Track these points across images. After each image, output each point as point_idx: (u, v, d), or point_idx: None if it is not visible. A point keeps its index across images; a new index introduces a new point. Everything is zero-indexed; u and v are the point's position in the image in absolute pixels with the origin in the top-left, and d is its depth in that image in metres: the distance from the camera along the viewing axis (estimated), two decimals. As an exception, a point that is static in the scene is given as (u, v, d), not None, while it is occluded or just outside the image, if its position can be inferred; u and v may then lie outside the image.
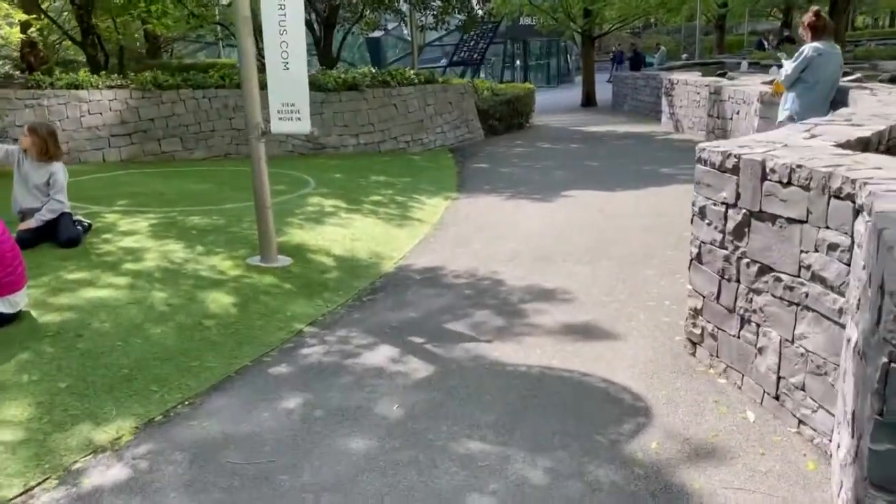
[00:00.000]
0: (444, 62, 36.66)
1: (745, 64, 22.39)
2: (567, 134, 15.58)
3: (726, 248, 3.54)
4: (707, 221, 3.68)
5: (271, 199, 5.98)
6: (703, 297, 3.77)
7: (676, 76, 15.04)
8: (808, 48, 6.55)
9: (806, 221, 2.94)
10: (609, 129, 16.00)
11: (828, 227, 2.80)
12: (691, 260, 3.87)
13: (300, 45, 5.63)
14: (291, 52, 5.60)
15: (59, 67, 14.63)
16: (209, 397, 3.73)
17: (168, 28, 15.63)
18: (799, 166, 2.97)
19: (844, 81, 7.05)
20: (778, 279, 3.17)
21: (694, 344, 3.89)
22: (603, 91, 24.43)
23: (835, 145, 3.53)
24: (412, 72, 13.61)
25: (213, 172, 10.12)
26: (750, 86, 8.78)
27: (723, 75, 14.34)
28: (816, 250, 2.88)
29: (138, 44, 22.24)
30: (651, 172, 10.08)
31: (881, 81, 8.20)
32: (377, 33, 29.18)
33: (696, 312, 3.84)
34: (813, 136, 3.87)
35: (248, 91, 5.74)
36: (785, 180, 3.05)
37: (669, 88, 15.02)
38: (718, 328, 3.65)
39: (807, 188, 2.91)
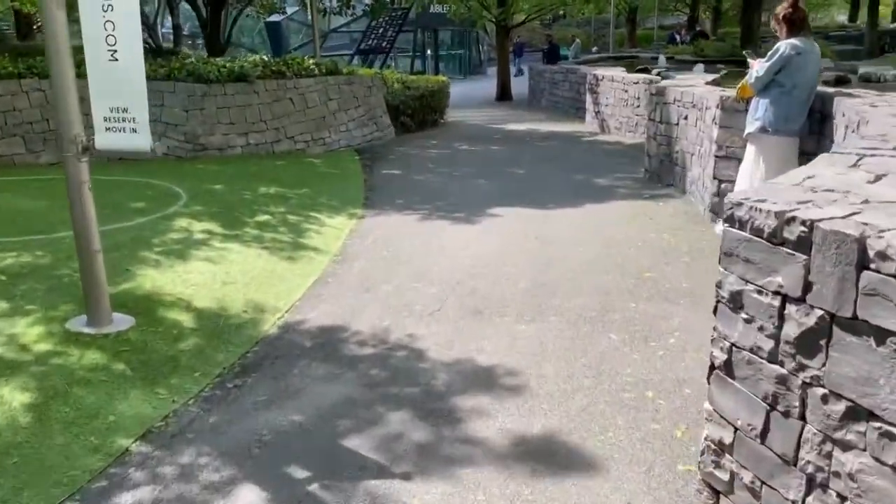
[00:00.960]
0: (351, 51, 34.83)
1: (662, 59, 21.81)
2: (486, 133, 14.30)
3: (782, 365, 2.24)
4: (745, 316, 2.37)
5: (118, 226, 4.31)
6: (735, 429, 2.47)
7: (601, 72, 14.01)
8: (785, 45, 5.43)
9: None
10: (530, 127, 14.83)
11: None
12: (713, 368, 2.56)
13: (133, 26, 3.99)
14: (121, 37, 3.95)
15: None
16: None
17: (35, 6, 13.28)
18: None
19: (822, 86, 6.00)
20: (888, 435, 1.90)
21: (717, 493, 2.59)
22: (519, 84, 23.37)
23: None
24: (312, 61, 11.92)
25: (57, 183, 8.19)
26: (697, 87, 7.73)
27: (644, 70, 13.37)
28: None
29: (6, 25, 19.44)
30: (585, 183, 8.89)
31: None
32: (277, 17, 27.02)
33: (722, 448, 2.54)
34: (878, 179, 2.63)
35: (59, 89, 4.04)
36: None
37: (594, 85, 13.98)
38: (763, 482, 2.36)
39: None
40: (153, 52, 14.99)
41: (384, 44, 34.79)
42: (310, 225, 7.02)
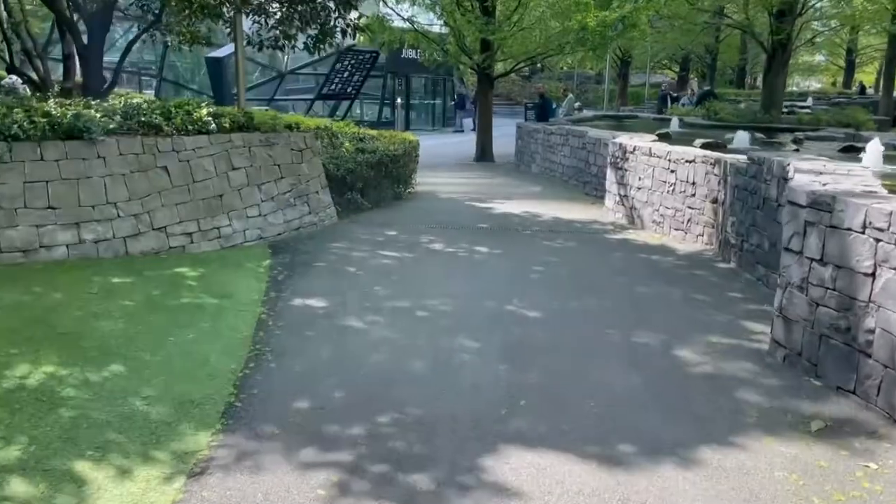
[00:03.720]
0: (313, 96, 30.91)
1: (675, 122, 18.21)
2: (466, 217, 10.21)
3: None
4: None
5: None
6: None
7: (630, 141, 10.10)
8: None
9: None
10: (526, 209, 10.79)
11: None
12: None
13: None
14: None
15: None
16: None
17: None
18: None
19: None
20: None
21: None
22: (502, 143, 19.52)
23: None
24: (206, 110, 7.74)
25: None
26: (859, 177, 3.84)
27: (716, 146, 9.44)
28: None
29: None
30: (665, 370, 4.72)
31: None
32: (220, 52, 22.98)
33: None
34: None
35: None
36: None
37: (620, 159, 10.04)
38: None
39: None
40: (35, 86, 10.74)
41: (349, 89, 30.98)
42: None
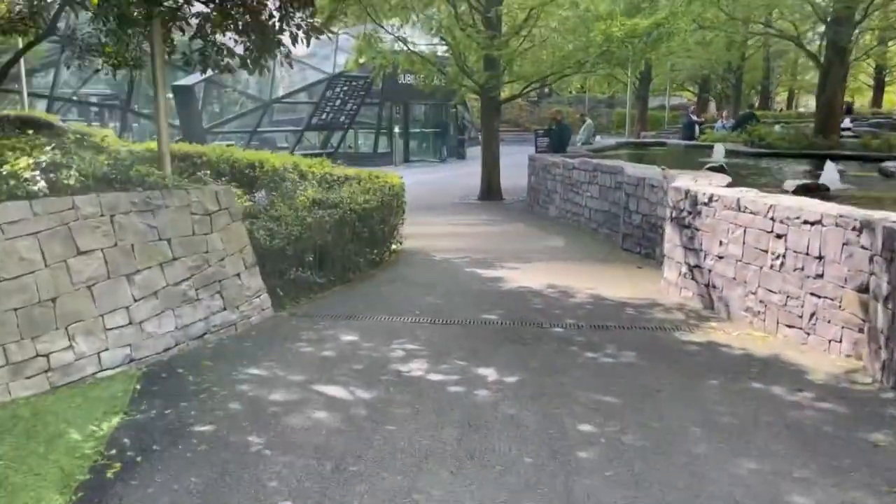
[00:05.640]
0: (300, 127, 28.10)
1: (719, 149, 15.18)
2: (467, 298, 7.11)
3: None
4: None
5: None
6: None
7: (699, 185, 7.00)
8: None
9: None
10: (552, 282, 7.66)
11: None
12: None
13: None
14: None
15: None
16: None
17: None
18: None
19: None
20: None
21: None
22: (510, 174, 16.53)
23: None
24: (26, 161, 4.74)
25: None
26: None
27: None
28: None
29: None
30: None
31: None
32: (191, 79, 20.15)
33: None
34: None
35: None
36: None
37: (688, 212, 6.92)
38: None
39: None
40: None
41: (342, 118, 28.15)
42: None
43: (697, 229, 6.75)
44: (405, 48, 15.66)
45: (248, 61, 7.63)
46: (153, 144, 9.93)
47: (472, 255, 9.31)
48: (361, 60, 16.84)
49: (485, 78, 15.05)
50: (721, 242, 6.41)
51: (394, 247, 9.54)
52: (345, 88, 27.43)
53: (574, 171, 12.24)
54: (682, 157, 15.98)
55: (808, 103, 47.83)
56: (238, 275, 5.89)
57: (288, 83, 27.62)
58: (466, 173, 21.01)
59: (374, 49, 15.59)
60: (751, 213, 6.08)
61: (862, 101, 46.89)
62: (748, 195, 6.24)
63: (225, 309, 5.72)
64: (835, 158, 11.58)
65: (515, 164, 17.56)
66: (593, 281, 7.68)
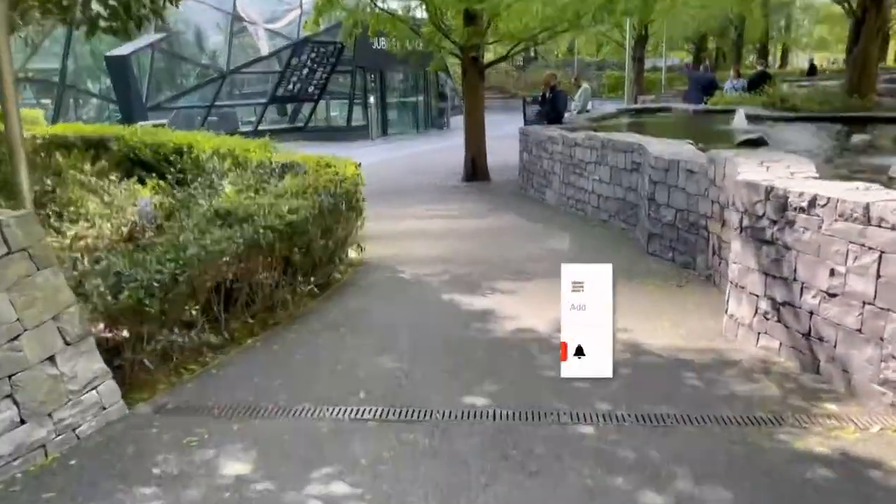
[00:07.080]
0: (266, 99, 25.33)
1: (740, 113, 12.76)
2: (443, 356, 4.78)
3: None
4: None
5: None
6: None
7: (785, 182, 4.63)
8: None
9: None
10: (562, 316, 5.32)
11: None
12: None
13: None
14: None
15: None
16: None
17: None
18: None
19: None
20: None
21: None
22: (497, 148, 14.12)
23: None
24: None
25: None
26: None
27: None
28: None
29: None
30: None
31: None
32: (125, 49, 17.37)
33: None
34: None
35: None
36: None
37: (771, 223, 4.55)
38: None
39: None
40: None
41: (310, 89, 25.38)
42: None
43: (788, 248, 4.40)
44: (372, 3, 13.13)
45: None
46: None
47: (453, 267, 6.97)
48: (321, 21, 14.37)
49: (466, 36, 12.54)
50: (833, 272, 4.07)
51: (352, 255, 7.23)
52: (312, 55, 24.63)
53: (577, 149, 9.87)
54: (696, 125, 13.67)
55: (801, 62, 44.65)
56: (51, 359, 3.51)
57: (250, 52, 24.85)
58: (449, 146, 18.57)
59: (337, 5, 13.07)
60: (884, 226, 3.75)
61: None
62: (882, 197, 3.89)
63: (23, 422, 3.35)
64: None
65: (504, 135, 15.12)
66: (621, 311, 5.34)
